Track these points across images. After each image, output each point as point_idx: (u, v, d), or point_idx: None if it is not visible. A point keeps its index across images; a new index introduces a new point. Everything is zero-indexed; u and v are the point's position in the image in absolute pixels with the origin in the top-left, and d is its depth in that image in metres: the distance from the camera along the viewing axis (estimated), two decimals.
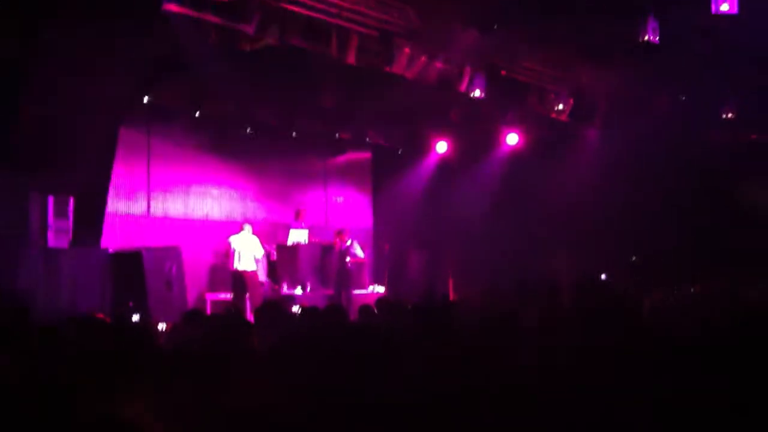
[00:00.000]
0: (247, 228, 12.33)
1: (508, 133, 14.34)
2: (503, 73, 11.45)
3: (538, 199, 14.09)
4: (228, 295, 12.41)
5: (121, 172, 12.09)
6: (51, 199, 11.20)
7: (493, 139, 14.59)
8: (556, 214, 13.74)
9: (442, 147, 15.23)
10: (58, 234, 11.14)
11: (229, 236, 12.39)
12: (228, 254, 12.27)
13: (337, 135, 14.73)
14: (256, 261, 12.32)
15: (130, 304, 10.65)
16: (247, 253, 12.16)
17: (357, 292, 13.24)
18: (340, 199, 15.72)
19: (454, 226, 14.79)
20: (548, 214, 13.87)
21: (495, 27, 9.73)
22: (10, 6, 8.37)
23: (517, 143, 14.44)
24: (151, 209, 12.86)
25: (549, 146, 14.04)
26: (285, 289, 12.94)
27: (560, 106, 12.62)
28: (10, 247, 9.96)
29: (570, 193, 13.58)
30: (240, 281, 12.10)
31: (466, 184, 14.84)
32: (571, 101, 12.68)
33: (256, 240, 12.32)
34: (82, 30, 8.71)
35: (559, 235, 13.54)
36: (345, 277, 13.18)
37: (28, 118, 9.87)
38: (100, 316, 9.11)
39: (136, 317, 9.84)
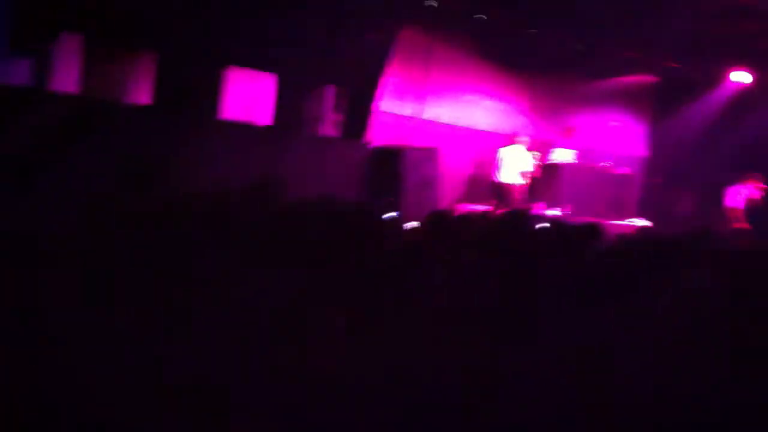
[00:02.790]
0: (522, 140, 12.30)
1: None
2: None
3: None
4: (481, 208, 12.44)
5: (396, 72, 12.41)
6: (330, 90, 11.92)
7: None
8: None
9: (738, 77, 13.67)
10: (331, 124, 11.88)
11: (498, 148, 12.40)
12: (494, 165, 12.37)
13: (622, 53, 13.81)
14: (522, 175, 12.21)
15: (385, 199, 11.08)
16: (514, 166, 12.08)
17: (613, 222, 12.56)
18: (614, 123, 14.87)
19: (738, 168, 13.32)
20: None
21: None
22: None
23: None
24: (420, 112, 13.12)
25: None
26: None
27: None
28: (283, 132, 10.81)
29: None
30: (501, 192, 12.15)
31: (761, 123, 13.26)
32: None
33: (527, 155, 12.21)
34: None
35: None
36: None
37: (310, 17, 10.47)
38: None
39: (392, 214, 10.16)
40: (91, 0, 9.19)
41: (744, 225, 12.08)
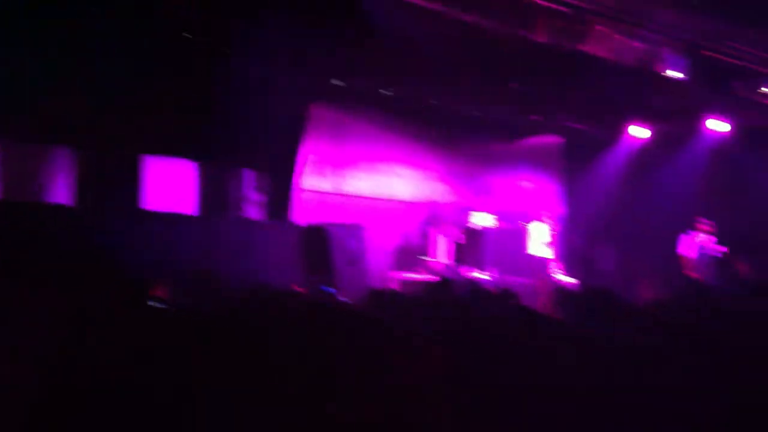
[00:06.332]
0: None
1: (711, 119, 13.33)
2: (705, 53, 10.66)
3: (745, 195, 12.98)
4: (413, 275, 12.67)
5: (311, 149, 12.56)
6: (248, 174, 11.91)
7: (695, 126, 13.61)
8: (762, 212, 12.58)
9: (638, 133, 14.45)
10: (254, 207, 11.83)
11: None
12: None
13: (527, 117, 14.42)
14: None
15: (317, 278, 11.06)
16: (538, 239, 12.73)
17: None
18: (527, 184, 15.40)
19: (648, 220, 13.94)
20: (754, 213, 12.70)
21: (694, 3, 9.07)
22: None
23: (722, 131, 13.38)
24: (339, 186, 13.27)
25: (757, 135, 12.90)
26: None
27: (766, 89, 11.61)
28: (210, 220, 10.70)
29: None
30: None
31: (664, 174, 13.98)
32: None
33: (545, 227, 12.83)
34: (278, 19, 9.07)
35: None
36: None
37: (224, 101, 10.51)
38: (297, 288, 9.53)
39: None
40: (3, 99, 8.96)
41: (696, 274, 12.13)
